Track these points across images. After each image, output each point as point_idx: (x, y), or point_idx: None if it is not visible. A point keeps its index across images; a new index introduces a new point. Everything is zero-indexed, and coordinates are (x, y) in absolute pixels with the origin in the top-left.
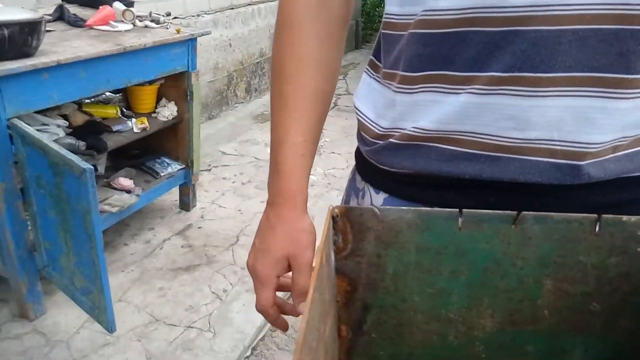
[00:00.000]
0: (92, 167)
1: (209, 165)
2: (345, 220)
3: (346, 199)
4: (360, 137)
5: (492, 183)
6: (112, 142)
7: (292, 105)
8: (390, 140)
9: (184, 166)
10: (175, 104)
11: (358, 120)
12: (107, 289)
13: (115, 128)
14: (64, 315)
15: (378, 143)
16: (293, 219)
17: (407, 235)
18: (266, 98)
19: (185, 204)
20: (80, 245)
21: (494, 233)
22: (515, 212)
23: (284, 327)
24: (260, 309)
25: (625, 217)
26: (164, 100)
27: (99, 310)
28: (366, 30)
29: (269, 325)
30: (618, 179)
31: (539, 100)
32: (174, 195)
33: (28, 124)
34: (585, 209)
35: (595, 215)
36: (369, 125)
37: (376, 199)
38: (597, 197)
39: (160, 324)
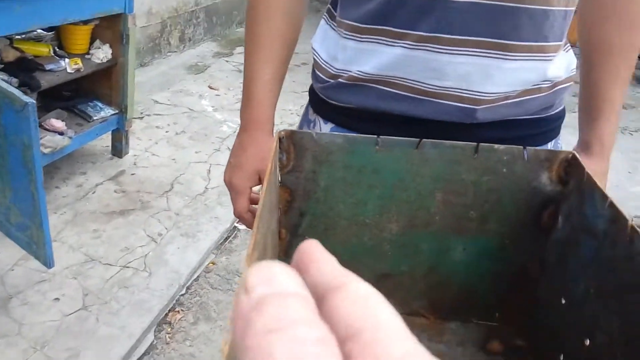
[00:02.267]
0: (34, 102)
1: (141, 113)
2: (289, 142)
3: (299, 129)
4: (314, 76)
5: (414, 119)
6: (44, 81)
7: (263, 46)
8: (340, 80)
9: (117, 111)
10: (110, 46)
11: (314, 60)
12: (46, 223)
13: (48, 67)
14: None
15: (329, 82)
16: (262, 140)
17: (336, 155)
18: (200, 49)
19: (118, 150)
20: (18, 180)
21: (401, 155)
22: (418, 139)
23: None
24: (237, 214)
25: (496, 146)
26: (98, 42)
27: (37, 245)
28: None
29: (202, 266)
30: (505, 120)
31: (453, 57)
32: (105, 141)
33: None
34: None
35: (475, 143)
36: (324, 66)
37: (324, 128)
38: (488, 134)
39: (96, 263)
